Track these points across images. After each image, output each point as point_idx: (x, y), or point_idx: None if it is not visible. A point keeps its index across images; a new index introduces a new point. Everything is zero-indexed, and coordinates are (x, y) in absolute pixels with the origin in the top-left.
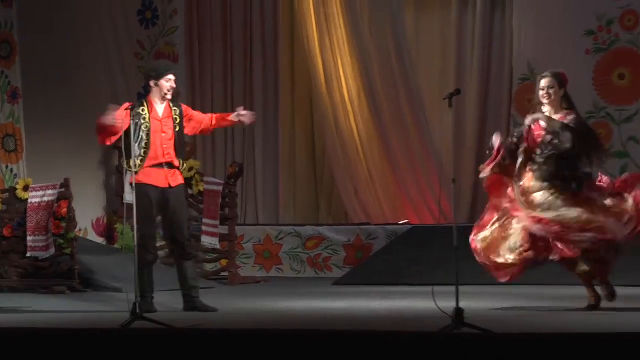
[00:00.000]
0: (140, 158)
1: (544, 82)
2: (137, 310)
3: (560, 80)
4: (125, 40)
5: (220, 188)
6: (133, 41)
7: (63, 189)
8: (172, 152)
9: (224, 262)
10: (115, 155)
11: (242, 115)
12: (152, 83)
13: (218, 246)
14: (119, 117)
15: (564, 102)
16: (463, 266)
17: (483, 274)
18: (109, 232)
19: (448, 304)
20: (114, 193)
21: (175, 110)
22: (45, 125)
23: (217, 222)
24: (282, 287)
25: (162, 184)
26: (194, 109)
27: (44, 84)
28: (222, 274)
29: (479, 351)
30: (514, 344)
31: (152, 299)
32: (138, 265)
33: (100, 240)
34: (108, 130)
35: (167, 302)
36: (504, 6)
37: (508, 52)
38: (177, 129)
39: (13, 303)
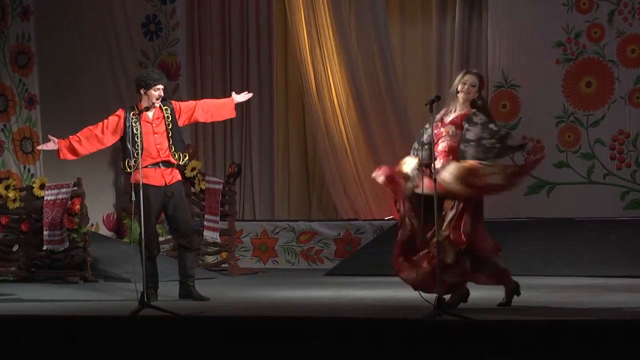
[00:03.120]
0: (134, 160)
1: (468, 78)
2: (145, 299)
3: (481, 83)
4: (129, 50)
5: (220, 187)
6: (137, 51)
7: (76, 188)
8: (168, 151)
9: (224, 254)
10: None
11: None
12: (142, 91)
13: (219, 240)
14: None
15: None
16: None
17: None
18: (118, 227)
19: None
20: (123, 191)
21: (166, 109)
22: (60, 128)
23: (218, 218)
24: (278, 277)
25: (159, 182)
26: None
27: (58, 90)
28: (223, 265)
29: (458, 337)
30: (490, 330)
31: (156, 289)
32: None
33: (110, 234)
34: (63, 154)
35: (174, 292)
36: (479, 19)
37: (484, 62)
38: (170, 125)
39: (30, 292)
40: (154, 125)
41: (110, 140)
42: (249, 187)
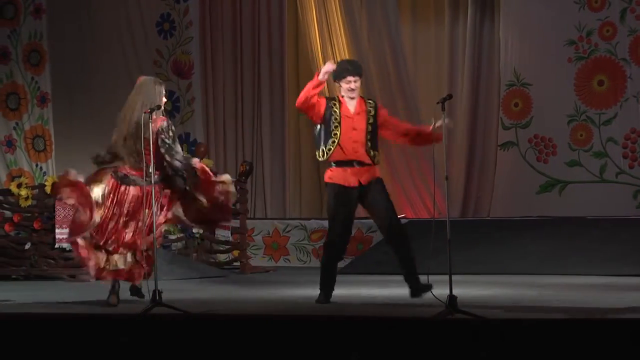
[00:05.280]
0: (329, 151)
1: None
2: (157, 297)
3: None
4: (144, 49)
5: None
6: (152, 50)
7: None
8: (362, 149)
9: (236, 252)
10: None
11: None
12: (335, 82)
13: (230, 238)
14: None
15: None
16: (455, 257)
17: (474, 264)
18: None
19: (442, 292)
20: None
21: (369, 102)
22: (72, 126)
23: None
24: (289, 275)
25: (352, 183)
26: (207, 110)
27: (70, 89)
28: (234, 263)
29: (470, 335)
30: (502, 329)
31: (332, 291)
32: (325, 261)
33: None
34: (310, 97)
35: (184, 290)
36: (492, 18)
37: (496, 61)
38: (372, 120)
39: (42, 290)
40: (354, 120)
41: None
42: (260, 186)
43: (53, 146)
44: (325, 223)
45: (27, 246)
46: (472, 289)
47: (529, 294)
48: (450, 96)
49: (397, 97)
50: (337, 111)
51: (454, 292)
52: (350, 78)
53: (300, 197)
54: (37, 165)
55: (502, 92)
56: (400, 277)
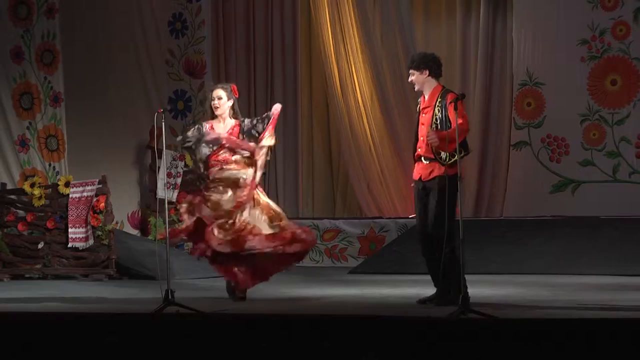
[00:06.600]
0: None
1: (213, 94)
2: (169, 297)
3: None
4: (156, 49)
5: None
6: (164, 50)
7: (101, 185)
8: (424, 146)
9: None
10: (148, 154)
11: None
12: None
13: None
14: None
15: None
16: (468, 256)
17: (487, 263)
18: (142, 225)
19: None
20: (147, 189)
21: (440, 98)
22: (85, 126)
23: None
24: (302, 275)
25: (417, 175)
26: None
27: (83, 88)
28: None
29: (483, 335)
30: (515, 329)
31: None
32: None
33: (134, 232)
34: None
35: (196, 289)
36: (504, 18)
37: (508, 60)
38: (438, 117)
39: (55, 289)
40: (423, 112)
41: None
42: (273, 186)
43: (66, 146)
44: (338, 223)
45: (40, 245)
46: (485, 289)
47: (542, 294)
48: (463, 95)
49: (409, 96)
50: (419, 106)
51: (467, 291)
52: (411, 72)
53: (312, 197)
54: (50, 165)
55: (515, 91)
56: (412, 277)
